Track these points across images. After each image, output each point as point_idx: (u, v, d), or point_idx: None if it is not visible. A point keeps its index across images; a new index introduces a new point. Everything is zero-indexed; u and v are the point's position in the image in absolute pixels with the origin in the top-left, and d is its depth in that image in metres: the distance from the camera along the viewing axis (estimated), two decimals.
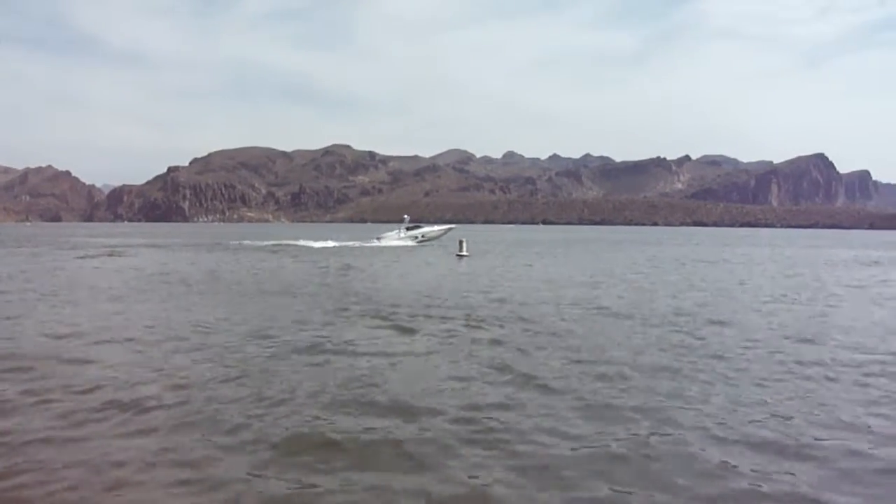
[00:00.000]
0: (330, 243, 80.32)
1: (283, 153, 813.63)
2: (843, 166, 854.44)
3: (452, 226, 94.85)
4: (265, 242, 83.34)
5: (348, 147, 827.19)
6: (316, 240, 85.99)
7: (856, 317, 21.25)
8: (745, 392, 11.58)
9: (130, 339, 15.90)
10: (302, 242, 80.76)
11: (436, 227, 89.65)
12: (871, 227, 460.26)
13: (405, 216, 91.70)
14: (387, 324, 18.72)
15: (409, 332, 17.40)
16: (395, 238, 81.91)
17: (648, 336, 16.86)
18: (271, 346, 15.15)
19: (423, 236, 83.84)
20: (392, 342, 16.01)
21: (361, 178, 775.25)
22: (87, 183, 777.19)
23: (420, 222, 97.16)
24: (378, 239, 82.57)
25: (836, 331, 18.17)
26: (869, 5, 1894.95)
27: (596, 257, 60.12)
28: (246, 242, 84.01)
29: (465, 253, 59.28)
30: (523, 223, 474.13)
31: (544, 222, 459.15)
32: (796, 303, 25.24)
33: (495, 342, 15.87)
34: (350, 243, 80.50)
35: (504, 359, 13.91)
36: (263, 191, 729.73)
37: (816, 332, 17.81)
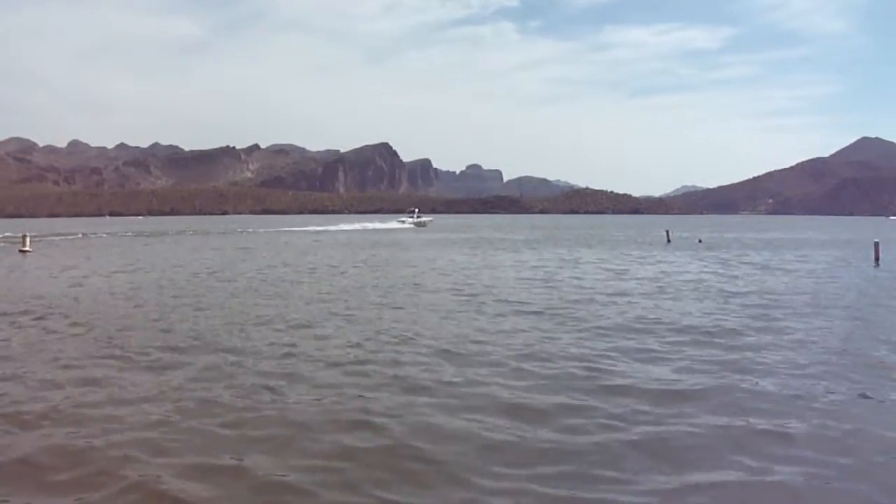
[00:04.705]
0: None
1: None
2: (407, 155, 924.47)
3: (431, 218, 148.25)
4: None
5: None
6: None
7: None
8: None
9: None
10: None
11: (427, 218, 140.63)
12: (434, 211, 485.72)
13: (415, 209, 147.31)
14: None
15: None
16: (409, 223, 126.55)
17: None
18: None
19: (423, 224, 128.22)
20: None
21: None
22: None
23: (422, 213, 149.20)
24: (400, 221, 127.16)
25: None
26: (431, 6, 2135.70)
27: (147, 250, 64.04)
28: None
29: (27, 249, 57.21)
30: (90, 216, 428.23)
31: (111, 214, 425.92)
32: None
33: None
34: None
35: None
36: None
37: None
